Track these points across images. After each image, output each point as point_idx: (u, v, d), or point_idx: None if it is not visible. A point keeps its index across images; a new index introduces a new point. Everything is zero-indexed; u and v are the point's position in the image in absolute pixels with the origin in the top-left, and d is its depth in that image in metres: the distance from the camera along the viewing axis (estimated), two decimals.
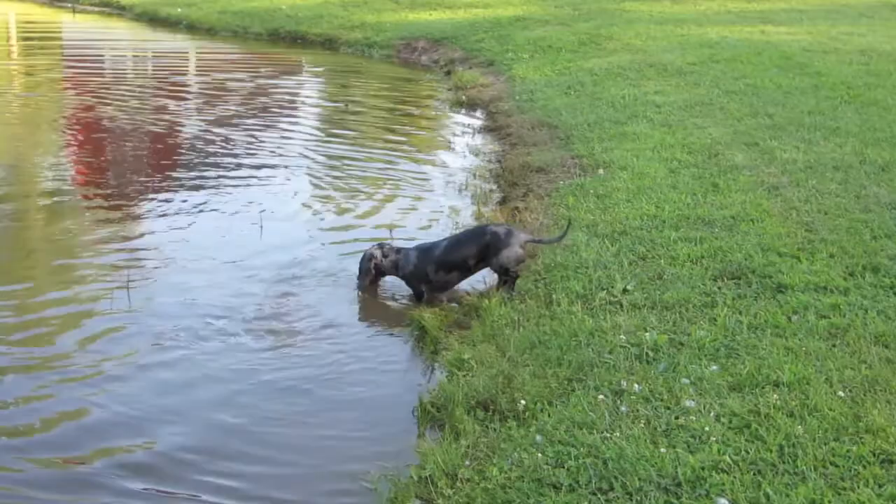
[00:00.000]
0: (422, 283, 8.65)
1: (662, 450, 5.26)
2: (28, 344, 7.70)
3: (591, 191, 10.29)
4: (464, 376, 6.62)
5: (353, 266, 9.05)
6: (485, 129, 15.39)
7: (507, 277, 8.33)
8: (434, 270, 8.55)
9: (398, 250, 8.79)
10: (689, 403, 5.76)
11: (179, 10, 31.28)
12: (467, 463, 5.54)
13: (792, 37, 20.12)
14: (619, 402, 5.89)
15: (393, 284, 8.91)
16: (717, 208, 9.35)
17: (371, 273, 8.73)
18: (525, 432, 5.73)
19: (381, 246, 8.84)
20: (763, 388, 5.91)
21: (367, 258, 8.73)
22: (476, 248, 8.42)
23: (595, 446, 5.39)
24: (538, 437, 5.59)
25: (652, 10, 25.14)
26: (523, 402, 6.07)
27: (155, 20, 31.65)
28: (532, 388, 6.21)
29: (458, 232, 9.14)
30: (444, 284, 8.64)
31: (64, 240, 10.40)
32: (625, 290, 7.57)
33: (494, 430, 5.90)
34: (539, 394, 6.15)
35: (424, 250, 8.67)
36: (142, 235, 10.49)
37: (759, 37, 20.31)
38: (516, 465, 5.37)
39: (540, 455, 5.38)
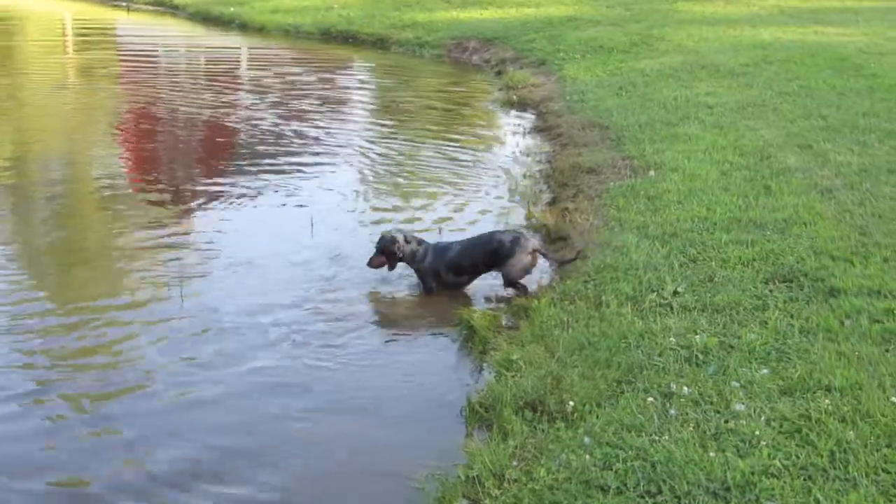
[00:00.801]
0: (434, 279, 8.77)
1: (712, 454, 5.23)
2: (78, 339, 7.78)
3: (642, 192, 10.24)
4: (512, 377, 6.61)
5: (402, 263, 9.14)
6: (535, 130, 15.36)
7: (513, 286, 8.59)
8: (446, 271, 8.78)
9: (420, 241, 8.93)
10: (739, 407, 5.72)
11: (232, 9, 31.51)
12: (515, 463, 5.54)
13: (847, 38, 19.89)
14: (668, 404, 5.86)
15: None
16: (769, 211, 9.27)
17: (390, 256, 8.83)
18: (573, 434, 5.71)
19: (402, 232, 8.99)
20: (814, 392, 5.85)
21: (389, 240, 8.83)
22: (483, 255, 8.70)
23: (643, 449, 5.36)
24: (586, 439, 5.58)
25: (704, 10, 24.97)
26: (572, 403, 6.05)
27: (208, 19, 31.94)
28: (581, 390, 6.20)
29: (471, 237, 9.21)
30: (455, 284, 8.84)
31: (116, 233, 10.56)
32: (675, 293, 7.53)
33: (542, 431, 5.89)
34: (588, 395, 6.13)
35: (440, 250, 8.85)
36: (192, 229, 10.63)
37: (813, 38, 20.10)
38: (564, 466, 5.36)
39: (588, 457, 5.37)
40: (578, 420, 5.90)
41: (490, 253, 8.65)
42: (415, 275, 9.00)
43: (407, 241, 8.83)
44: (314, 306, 8.40)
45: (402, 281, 8.97)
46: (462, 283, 8.86)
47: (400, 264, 8.93)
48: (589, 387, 6.24)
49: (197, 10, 33.11)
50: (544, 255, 8.82)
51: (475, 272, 8.83)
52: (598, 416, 5.85)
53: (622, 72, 17.86)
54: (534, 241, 8.84)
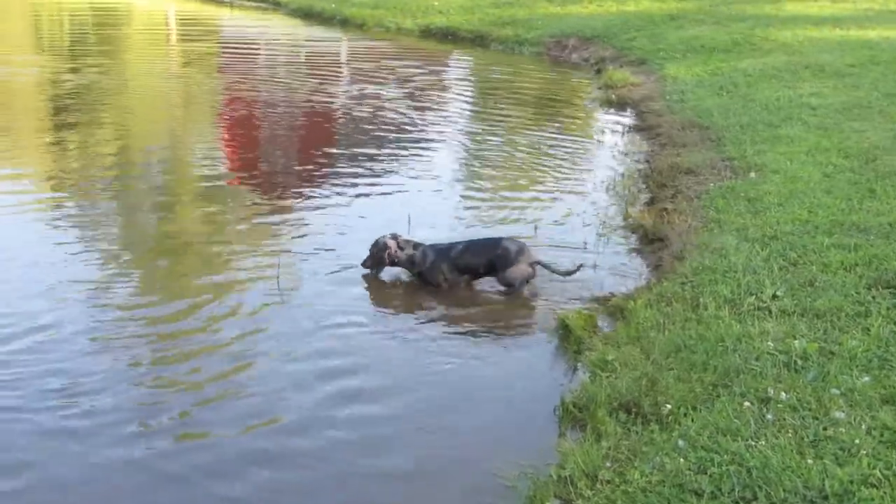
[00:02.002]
0: (439, 277, 8.88)
1: (809, 461, 5.15)
2: (177, 335, 7.93)
3: (742, 194, 10.12)
4: (607, 377, 6.58)
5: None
6: (634, 129, 15.26)
7: (508, 291, 8.70)
8: (449, 269, 8.86)
9: (415, 245, 9.03)
10: (838, 415, 5.62)
11: (333, 5, 31.82)
12: (608, 465, 5.52)
13: None
14: (765, 409, 5.78)
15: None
16: (873, 215, 9.08)
17: (382, 261, 8.98)
18: (668, 436, 5.67)
19: (395, 237, 9.05)
20: None
21: (381, 247, 8.95)
22: (486, 259, 8.80)
23: (739, 454, 5.30)
24: (681, 442, 5.53)
25: (810, 9, 24.51)
26: (667, 405, 6.01)
27: (309, 15, 32.31)
28: (676, 393, 6.15)
29: (477, 238, 9.29)
30: (456, 283, 8.91)
31: (215, 224, 10.79)
32: (774, 296, 7.42)
33: (636, 432, 5.85)
34: (683, 398, 6.08)
35: (443, 249, 8.95)
36: (291, 221, 10.75)
37: None
38: (658, 469, 5.33)
39: (682, 460, 5.33)
40: (673, 423, 5.85)
41: (494, 258, 8.76)
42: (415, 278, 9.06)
43: (400, 248, 8.96)
44: (407, 303, 8.45)
45: (493, 280, 8.97)
46: (462, 283, 8.94)
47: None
48: (684, 389, 6.19)
49: (299, 7, 33.50)
50: (545, 267, 8.84)
51: (475, 274, 8.92)
52: (693, 420, 5.80)
53: (723, 71, 17.64)
54: (535, 253, 8.90)
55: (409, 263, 8.98)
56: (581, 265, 8.84)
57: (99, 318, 8.04)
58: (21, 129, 16.28)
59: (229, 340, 7.68)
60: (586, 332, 7.61)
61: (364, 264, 9.06)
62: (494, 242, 8.90)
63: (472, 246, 8.97)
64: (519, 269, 8.69)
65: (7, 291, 8.56)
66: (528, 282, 8.76)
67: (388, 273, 9.14)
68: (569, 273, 8.78)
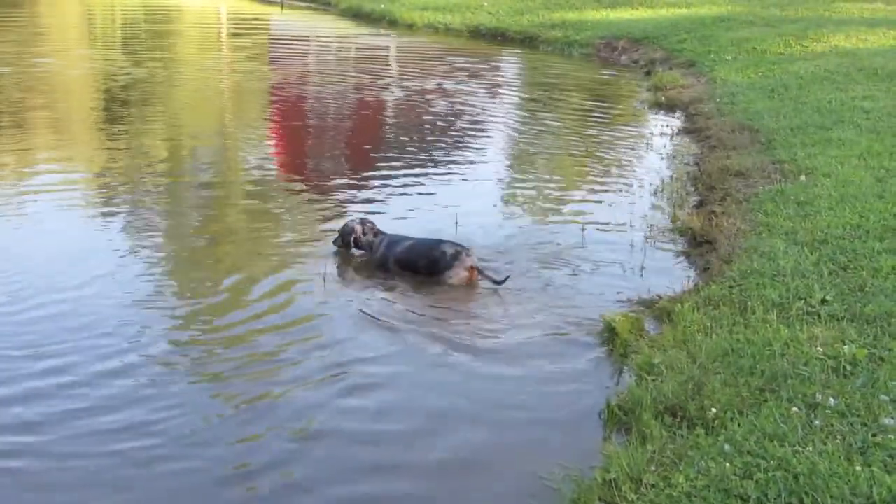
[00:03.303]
0: (383, 269, 9.19)
1: (857, 468, 5.09)
2: (226, 336, 7.99)
3: (792, 197, 10.02)
4: (653, 381, 6.54)
5: (545, 260, 9.39)
6: (683, 131, 15.18)
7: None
8: (393, 263, 9.16)
9: (377, 233, 9.45)
10: (887, 421, 5.55)
11: (382, 6, 31.93)
12: (653, 468, 5.48)
13: None
14: (812, 415, 5.72)
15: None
16: None
17: (348, 243, 9.46)
18: (713, 441, 5.63)
19: (362, 222, 9.50)
20: None
21: (347, 230, 9.46)
22: (426, 260, 9.01)
23: (786, 460, 5.24)
24: (727, 447, 5.49)
25: (863, 11, 24.28)
26: (713, 410, 5.96)
27: (359, 16, 32.48)
28: (722, 397, 6.10)
29: (423, 238, 9.40)
30: (401, 275, 9.10)
31: (262, 218, 10.89)
32: (823, 301, 7.35)
33: (682, 436, 5.81)
34: (729, 402, 6.03)
35: (392, 243, 9.29)
36: (339, 217, 10.78)
37: None
38: (703, 473, 5.28)
39: (728, 465, 5.28)
40: (719, 427, 5.80)
41: (432, 260, 8.95)
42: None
43: (364, 233, 9.40)
44: (452, 303, 8.44)
45: (541, 279, 8.95)
46: (406, 276, 9.10)
47: None
48: (731, 394, 6.14)
49: (349, 7, 33.68)
50: (480, 272, 8.88)
51: (416, 271, 9.06)
52: (739, 424, 5.74)
53: (775, 74, 17.51)
54: (474, 258, 8.94)
55: (368, 248, 9.42)
56: (508, 276, 8.83)
57: (148, 314, 8.13)
58: (74, 121, 16.57)
59: (276, 337, 7.74)
60: (632, 334, 7.57)
61: (335, 242, 9.58)
62: (433, 244, 9.09)
63: (417, 245, 9.19)
64: (455, 275, 8.83)
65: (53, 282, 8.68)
66: (462, 285, 8.84)
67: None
68: (498, 283, 8.77)
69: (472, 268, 8.87)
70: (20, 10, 35.47)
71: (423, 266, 9.00)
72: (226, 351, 7.52)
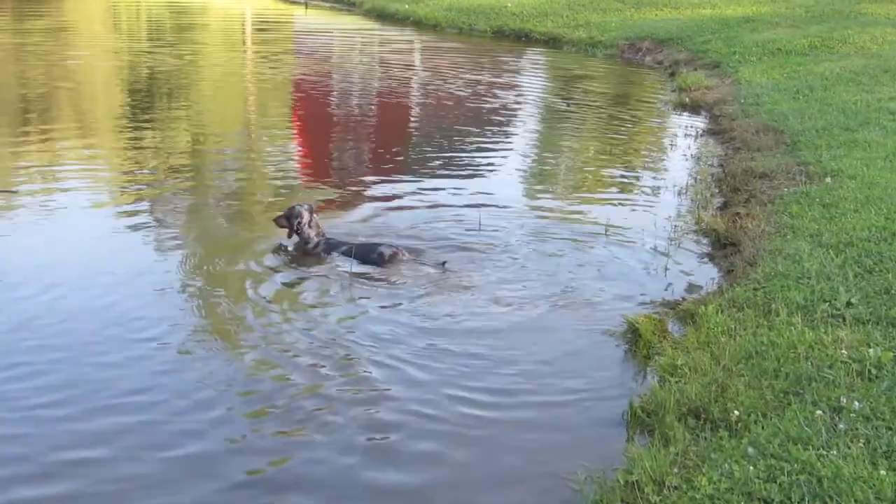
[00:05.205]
0: (314, 262, 9.44)
1: (882, 472, 5.05)
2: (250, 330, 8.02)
3: (817, 199, 9.97)
4: (676, 382, 6.53)
5: (568, 262, 9.39)
6: (708, 132, 15.14)
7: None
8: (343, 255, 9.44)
9: (320, 234, 9.66)
10: None
11: (407, 6, 31.95)
12: (675, 471, 5.47)
13: None
14: (837, 418, 5.69)
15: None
16: None
17: (291, 226, 9.62)
18: (737, 443, 5.60)
19: (310, 210, 9.71)
20: None
21: (294, 214, 9.64)
22: (363, 262, 9.25)
23: (810, 463, 5.22)
24: (750, 450, 5.46)
25: (889, 12, 24.12)
26: (736, 412, 5.94)
27: (383, 16, 32.51)
28: (746, 399, 6.08)
29: (360, 242, 9.64)
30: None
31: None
32: (848, 304, 7.30)
33: (705, 439, 5.79)
34: (753, 405, 6.01)
35: (332, 245, 9.59)
36: (363, 216, 10.89)
37: None
38: (726, 476, 5.26)
39: (751, 468, 5.26)
40: (742, 430, 5.78)
41: (369, 262, 9.23)
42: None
43: (309, 223, 9.60)
44: (475, 306, 8.42)
45: (562, 281, 8.94)
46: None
47: None
48: (755, 396, 6.11)
49: (373, 7, 33.72)
50: (416, 261, 9.29)
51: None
52: (763, 427, 5.72)
53: (800, 75, 17.43)
54: (409, 256, 9.29)
55: (306, 240, 9.61)
56: (446, 262, 9.14)
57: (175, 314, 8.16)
58: (99, 115, 16.78)
59: (300, 333, 7.76)
60: (656, 336, 7.55)
61: (276, 220, 9.78)
62: (371, 248, 9.39)
63: (357, 247, 9.44)
64: (392, 275, 9.03)
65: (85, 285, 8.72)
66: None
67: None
68: (441, 265, 9.09)
69: (407, 262, 9.22)
70: (47, 5, 35.72)
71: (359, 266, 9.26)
72: (255, 345, 7.55)
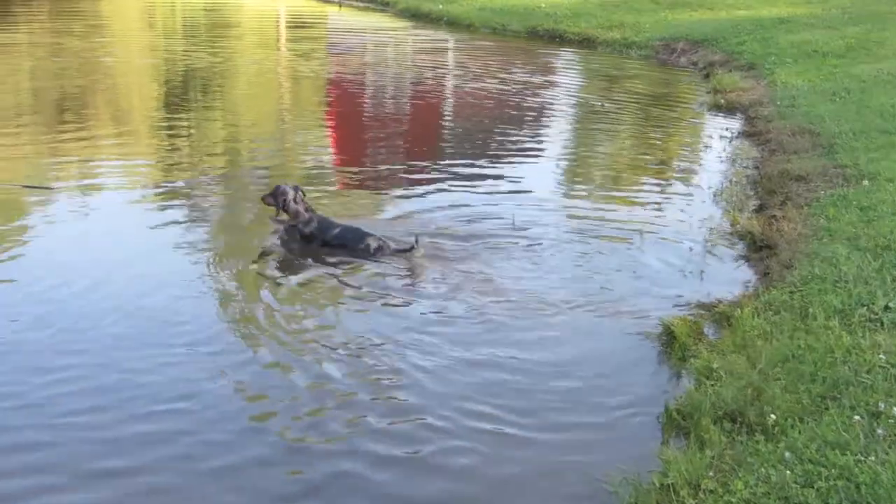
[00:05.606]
0: (305, 243, 9.73)
1: None
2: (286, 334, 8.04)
3: (854, 202, 9.89)
4: (712, 385, 6.50)
5: (603, 262, 9.37)
6: (743, 134, 15.03)
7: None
8: (320, 244, 9.67)
9: (310, 209, 9.90)
10: None
11: (441, 6, 31.95)
12: (711, 474, 5.45)
13: None
14: (875, 424, 5.64)
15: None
16: None
17: (277, 204, 9.90)
18: (773, 448, 5.57)
19: (296, 189, 9.96)
20: None
21: (281, 192, 9.92)
22: (351, 249, 9.52)
23: (848, 468, 5.18)
24: (787, 454, 5.43)
25: None
26: (773, 416, 5.90)
27: (417, 15, 32.48)
28: (783, 403, 6.04)
29: (353, 225, 9.85)
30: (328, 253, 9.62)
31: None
32: (886, 308, 7.25)
33: (741, 442, 5.77)
34: (790, 409, 5.97)
35: (325, 227, 9.77)
36: (396, 214, 10.93)
37: None
38: (763, 480, 5.24)
39: (788, 473, 5.23)
40: (779, 434, 5.75)
41: (357, 251, 9.47)
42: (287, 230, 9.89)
43: (295, 200, 9.85)
44: (509, 305, 8.42)
45: (597, 282, 8.92)
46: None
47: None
48: (791, 401, 6.08)
49: (407, 7, 33.72)
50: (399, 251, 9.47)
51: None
52: (800, 432, 5.69)
53: (836, 77, 17.29)
54: (394, 247, 9.46)
55: (294, 216, 9.83)
56: (413, 246, 9.35)
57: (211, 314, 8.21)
58: (135, 112, 16.93)
59: (338, 331, 7.80)
60: (691, 338, 7.51)
61: (263, 199, 10.10)
62: (360, 236, 9.56)
63: (344, 231, 9.68)
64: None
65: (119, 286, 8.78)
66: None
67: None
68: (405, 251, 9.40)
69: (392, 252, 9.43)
70: (83, 4, 36.01)
71: (347, 252, 9.51)
72: (289, 352, 7.55)
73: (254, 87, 20.10)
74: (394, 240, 9.58)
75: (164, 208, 10.99)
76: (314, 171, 12.91)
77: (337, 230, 9.71)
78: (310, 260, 9.47)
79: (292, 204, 9.84)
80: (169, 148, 14.02)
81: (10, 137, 14.50)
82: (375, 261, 9.30)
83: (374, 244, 9.44)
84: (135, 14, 35.03)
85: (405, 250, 9.36)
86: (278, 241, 9.88)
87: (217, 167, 12.88)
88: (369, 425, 6.47)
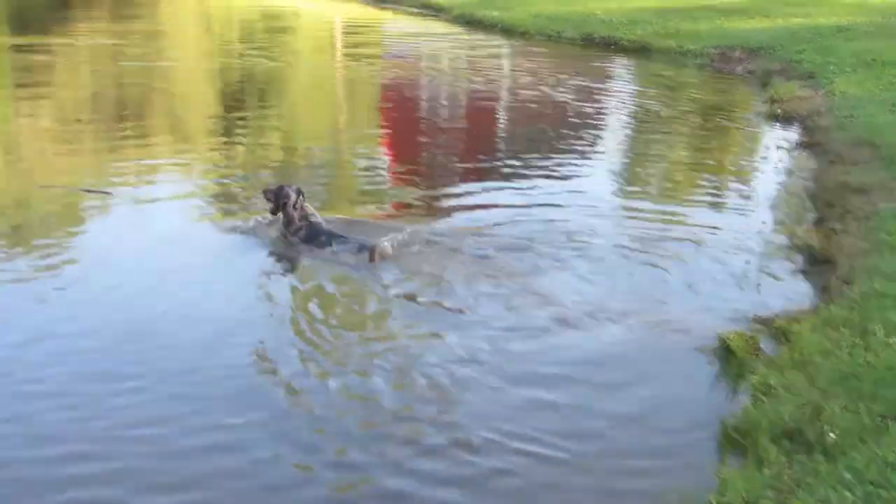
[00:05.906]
0: (309, 244, 9.87)
1: None
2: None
3: None
4: (770, 403, 6.42)
5: (658, 274, 9.37)
6: (801, 145, 14.87)
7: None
8: (318, 246, 9.80)
9: (305, 217, 9.99)
10: None
11: (495, 13, 31.95)
12: (770, 494, 5.38)
13: None
14: None
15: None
16: None
17: (277, 205, 10.09)
18: (833, 468, 5.50)
19: (299, 192, 10.13)
20: None
21: (283, 194, 10.10)
22: (345, 253, 9.58)
23: None
24: (847, 475, 5.36)
25: None
26: (832, 435, 5.83)
27: (471, 22, 32.51)
28: (842, 422, 5.96)
29: (343, 233, 9.88)
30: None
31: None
32: None
33: (800, 462, 5.69)
34: (849, 429, 5.89)
35: (316, 232, 9.90)
36: (448, 221, 10.89)
37: None
38: (822, 501, 5.17)
39: (848, 494, 5.16)
40: (839, 454, 5.67)
41: (353, 255, 9.53)
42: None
43: (294, 205, 10.02)
44: (564, 316, 8.38)
45: (647, 292, 8.86)
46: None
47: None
48: (851, 420, 6.00)
49: (461, 13, 33.78)
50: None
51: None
52: (860, 452, 5.61)
53: None
54: (389, 250, 9.53)
55: (288, 223, 10.03)
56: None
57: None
58: (192, 119, 17.10)
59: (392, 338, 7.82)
60: (748, 354, 7.44)
61: (264, 193, 10.32)
62: (355, 244, 9.60)
63: (342, 234, 9.80)
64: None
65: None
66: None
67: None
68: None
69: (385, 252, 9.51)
70: (141, 9, 36.47)
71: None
72: (343, 367, 7.56)
73: (310, 92, 20.27)
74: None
75: (223, 214, 11.09)
76: (369, 177, 12.97)
77: (323, 237, 9.85)
78: (365, 272, 9.43)
79: (290, 210, 10.03)
80: (227, 153, 14.16)
81: (70, 141, 14.70)
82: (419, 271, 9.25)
83: (380, 247, 9.47)
84: (192, 20, 35.44)
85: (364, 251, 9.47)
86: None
87: (274, 173, 12.93)
88: (420, 445, 6.39)
